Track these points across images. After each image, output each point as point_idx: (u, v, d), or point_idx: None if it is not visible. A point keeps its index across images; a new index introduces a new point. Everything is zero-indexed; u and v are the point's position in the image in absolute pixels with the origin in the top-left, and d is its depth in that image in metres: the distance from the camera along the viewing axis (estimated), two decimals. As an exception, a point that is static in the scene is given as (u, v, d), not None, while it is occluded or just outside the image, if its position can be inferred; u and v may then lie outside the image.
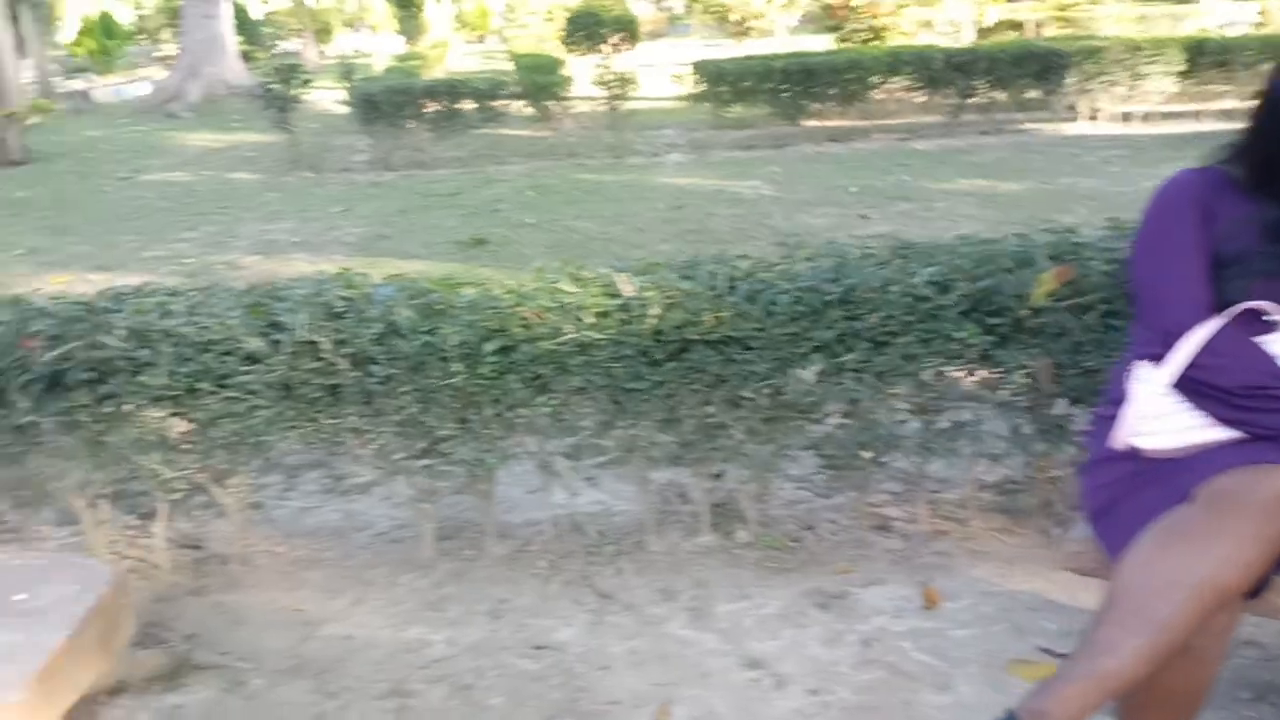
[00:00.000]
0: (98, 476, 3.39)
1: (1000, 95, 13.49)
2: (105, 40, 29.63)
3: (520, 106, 12.71)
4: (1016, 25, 24.56)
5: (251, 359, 3.13)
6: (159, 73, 26.07)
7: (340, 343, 3.11)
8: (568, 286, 3.23)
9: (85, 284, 7.08)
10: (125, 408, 3.20)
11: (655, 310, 3.09)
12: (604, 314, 3.14)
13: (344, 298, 3.21)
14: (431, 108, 11.97)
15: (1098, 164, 10.59)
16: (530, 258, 7.51)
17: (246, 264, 7.65)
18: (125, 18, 35.36)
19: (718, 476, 3.59)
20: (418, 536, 3.62)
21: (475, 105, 12.14)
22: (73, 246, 8.72)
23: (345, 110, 13.15)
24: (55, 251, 8.58)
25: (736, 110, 14.15)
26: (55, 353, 3.11)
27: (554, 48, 20.71)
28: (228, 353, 3.13)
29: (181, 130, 16.70)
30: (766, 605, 3.22)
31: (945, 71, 13.01)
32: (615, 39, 16.14)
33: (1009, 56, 13.02)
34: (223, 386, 3.13)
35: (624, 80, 12.65)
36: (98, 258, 8.35)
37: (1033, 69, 13.05)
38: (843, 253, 3.33)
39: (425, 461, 3.42)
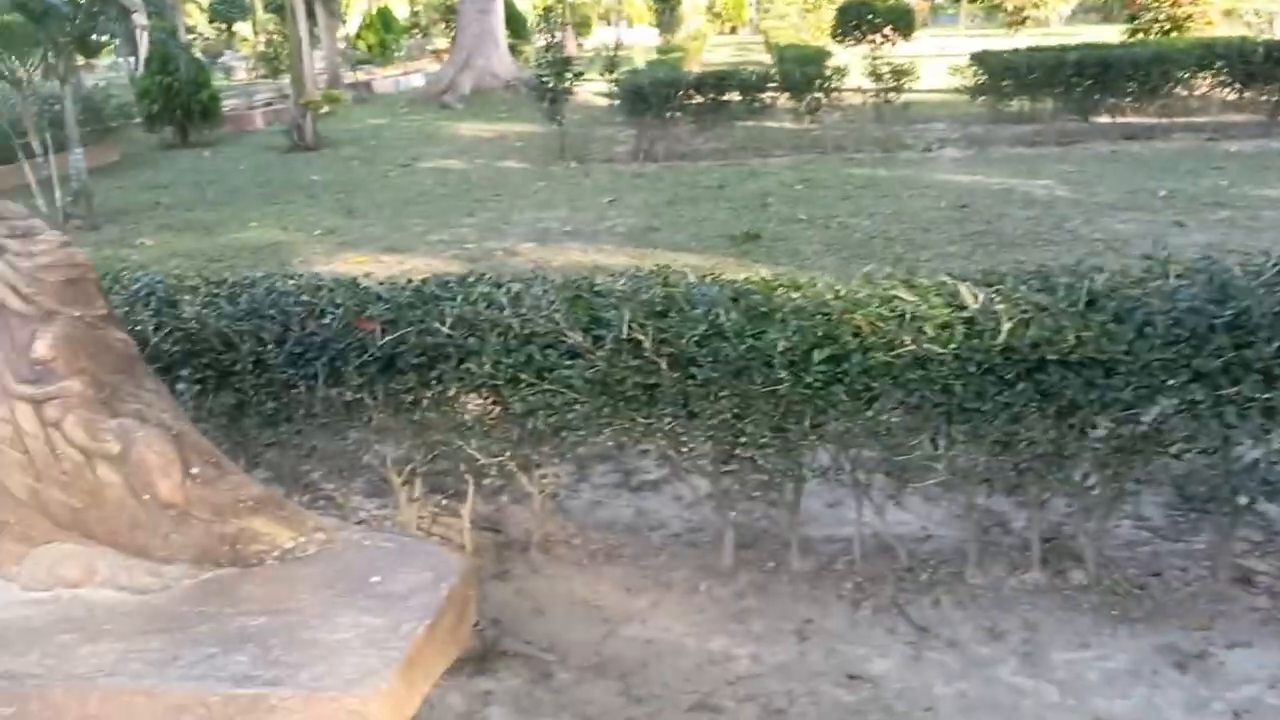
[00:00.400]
0: (415, 455, 3.49)
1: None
2: (384, 34, 31.82)
3: (784, 99, 12.49)
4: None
5: (573, 354, 3.10)
6: (432, 65, 27.73)
7: (662, 342, 3.03)
8: (904, 294, 3.01)
9: (379, 264, 7.49)
10: (449, 392, 3.26)
11: (1006, 325, 2.82)
12: (946, 326, 2.89)
13: (664, 297, 3.13)
14: (695, 100, 11.99)
15: None
16: (806, 255, 7.30)
17: (522, 251, 7.87)
18: (401, 13, 37.85)
19: (1042, 505, 3.27)
20: (715, 542, 3.51)
21: (740, 97, 12.04)
22: (365, 228, 9.29)
23: (608, 102, 13.38)
24: (349, 232, 9.18)
25: (1016, 105, 13.33)
26: (392, 336, 3.20)
27: (812, 38, 20.40)
28: (550, 346, 3.12)
29: (454, 120, 17.60)
30: (1112, 658, 2.88)
31: (1265, 66, 11.67)
32: (887, 30, 15.60)
33: (1342, 48, 11.53)
34: (542, 379, 3.12)
35: (900, 72, 12.17)
36: (387, 239, 8.85)
37: (1372, 62, 11.49)
38: (1222, 271, 2.92)
39: (731, 468, 3.31)
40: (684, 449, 3.20)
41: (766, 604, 3.26)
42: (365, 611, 2.09)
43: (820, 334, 2.94)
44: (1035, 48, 13.79)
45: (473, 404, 3.24)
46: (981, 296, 2.95)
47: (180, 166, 13.75)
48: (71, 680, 1.94)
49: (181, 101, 15.27)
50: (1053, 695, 2.76)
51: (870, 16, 15.65)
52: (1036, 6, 24.16)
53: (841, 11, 17.29)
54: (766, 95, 12.38)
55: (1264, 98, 12.16)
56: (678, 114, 12.11)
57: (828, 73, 12.21)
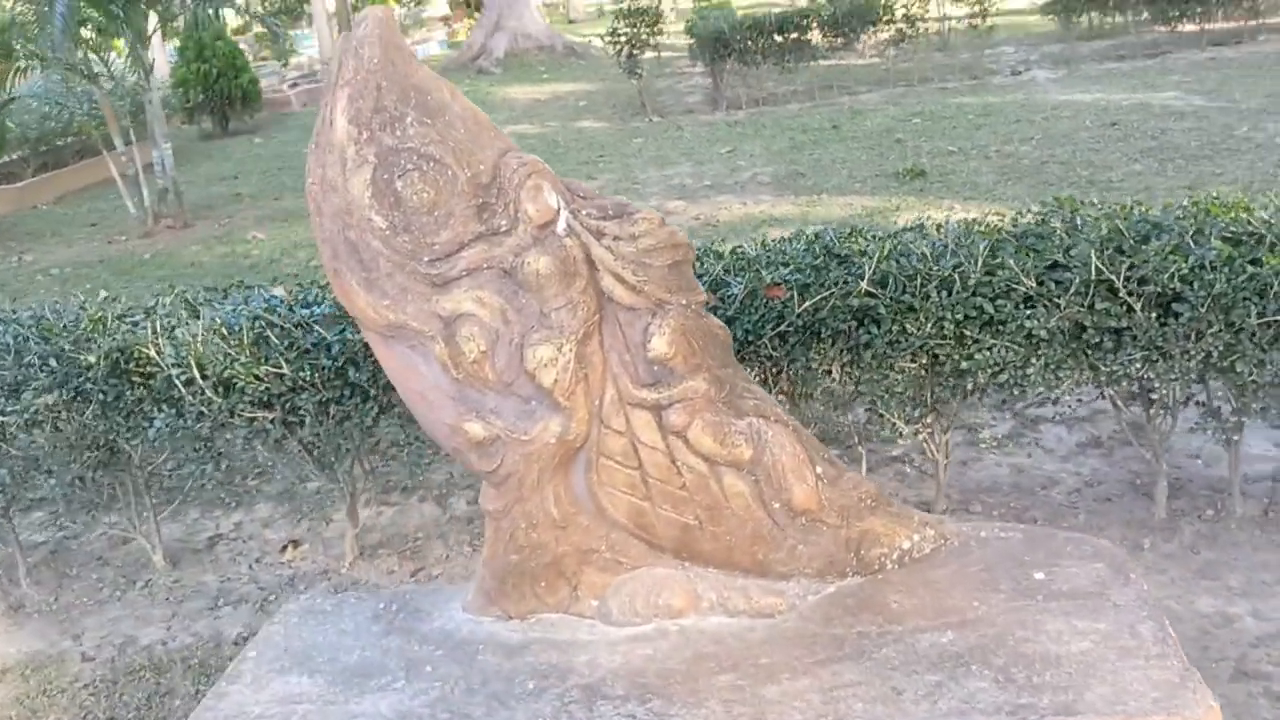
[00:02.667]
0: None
1: None
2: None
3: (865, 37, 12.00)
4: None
5: (1029, 302, 2.81)
6: (430, 33, 27.01)
7: (1140, 280, 2.74)
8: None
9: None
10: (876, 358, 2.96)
11: None
12: None
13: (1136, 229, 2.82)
14: (777, 41, 11.54)
15: None
16: (986, 186, 6.99)
17: (675, 209, 7.52)
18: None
19: None
20: (1134, 494, 3.26)
21: (822, 36, 11.61)
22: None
23: (677, 53, 12.91)
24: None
25: (1084, 20, 12.92)
26: (811, 302, 2.90)
27: None
28: (999, 296, 2.82)
29: (497, 85, 17.05)
30: None
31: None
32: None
33: None
34: (999, 334, 2.82)
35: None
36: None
37: None
38: None
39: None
40: (1152, 394, 2.90)
41: (1229, 555, 3.00)
42: (1072, 616, 1.82)
43: (1331, 258, 2.66)
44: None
45: (907, 366, 2.94)
46: None
47: (237, 156, 13.27)
48: (801, 727, 1.67)
49: (222, 88, 14.75)
50: None
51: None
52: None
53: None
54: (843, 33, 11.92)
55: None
56: (759, 57, 11.67)
57: (908, 3, 11.75)
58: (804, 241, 3.20)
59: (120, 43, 9.70)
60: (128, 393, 3.20)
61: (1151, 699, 1.60)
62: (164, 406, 3.18)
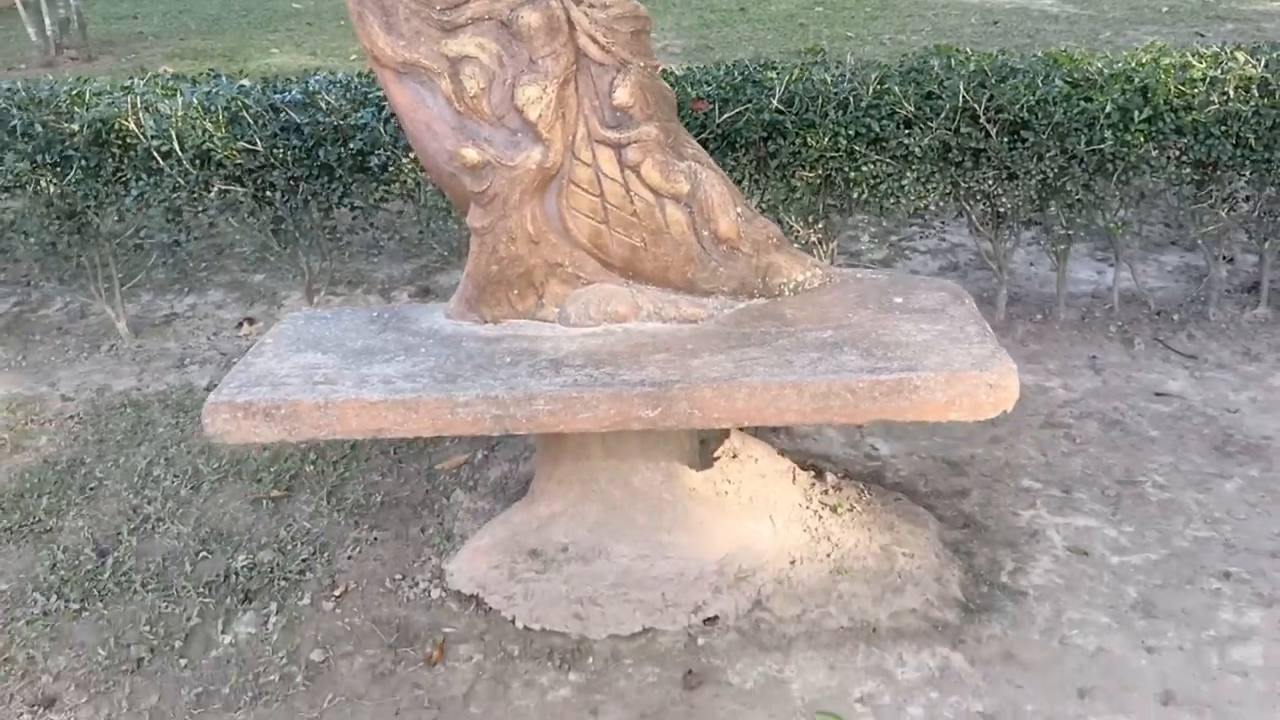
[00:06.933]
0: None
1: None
2: None
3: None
4: None
5: (908, 124, 3.38)
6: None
7: (998, 110, 3.33)
8: (1196, 61, 3.38)
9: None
10: (781, 168, 3.50)
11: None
12: (1244, 86, 3.28)
13: (998, 66, 3.41)
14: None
15: None
16: (877, 68, 7.54)
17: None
18: None
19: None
20: (986, 299, 3.93)
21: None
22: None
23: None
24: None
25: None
26: (727, 115, 3.41)
27: None
28: (885, 118, 3.38)
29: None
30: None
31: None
32: None
33: None
34: (879, 149, 3.40)
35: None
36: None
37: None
38: None
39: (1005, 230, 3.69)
40: (1000, 208, 3.53)
41: (1050, 347, 3.71)
42: (919, 321, 2.41)
43: (1143, 97, 3.30)
44: None
45: (807, 177, 3.49)
46: (1265, 61, 3.34)
47: (131, -3, 12.87)
48: (714, 381, 2.22)
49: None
50: (1325, 394, 3.32)
51: None
52: None
53: None
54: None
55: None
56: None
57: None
58: (723, 69, 3.69)
59: None
60: (109, 161, 3.51)
61: (970, 363, 2.20)
62: (143, 175, 3.51)
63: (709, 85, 3.49)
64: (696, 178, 2.39)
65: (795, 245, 3.85)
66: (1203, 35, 8.10)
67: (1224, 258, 3.83)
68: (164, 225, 3.70)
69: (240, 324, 4.09)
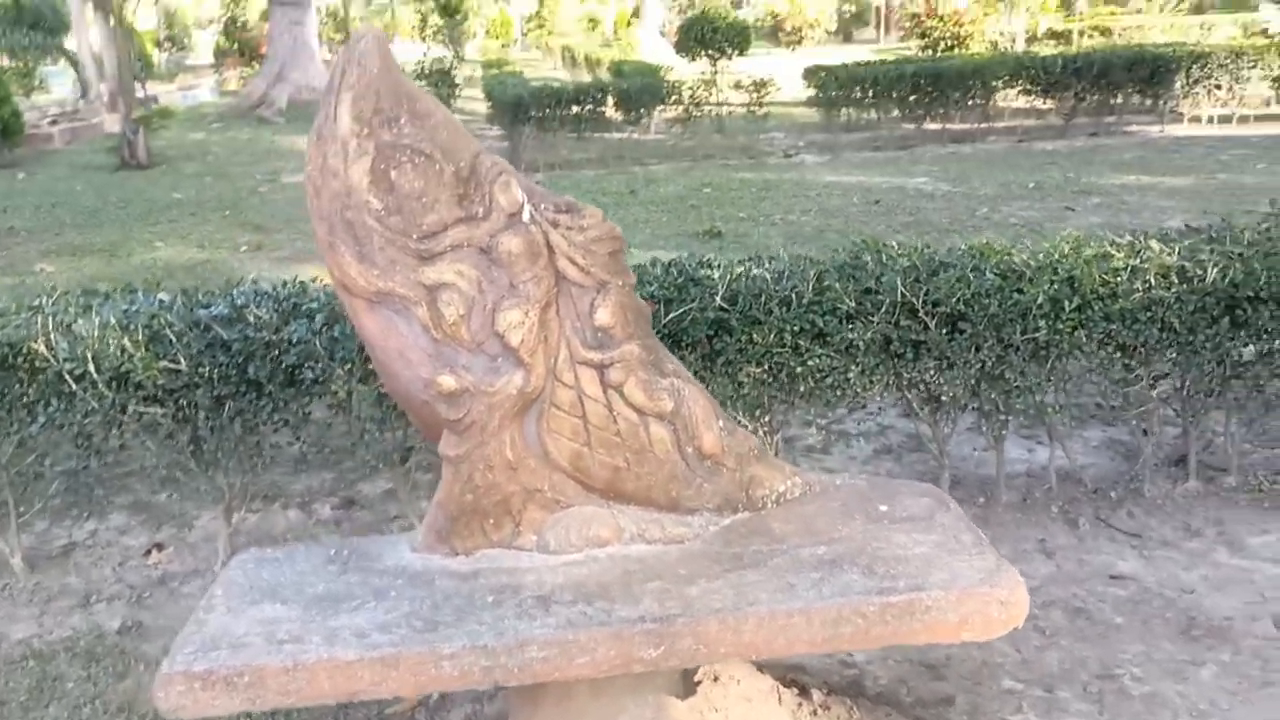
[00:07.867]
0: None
1: (1107, 99, 13.95)
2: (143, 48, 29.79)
3: (659, 112, 13.00)
4: (1059, 35, 25.20)
5: (850, 318, 3.44)
6: (198, 79, 26.30)
7: (934, 303, 3.42)
8: (1116, 252, 3.57)
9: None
10: (728, 364, 3.49)
11: (1213, 270, 3.43)
12: (1164, 275, 3.47)
13: (929, 262, 3.53)
14: (573, 110, 12.29)
15: (1237, 161, 11.01)
16: (773, 248, 7.77)
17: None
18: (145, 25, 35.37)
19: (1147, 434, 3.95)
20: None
21: (615, 109, 12.48)
22: (293, 241, 8.90)
23: (466, 116, 13.41)
24: (277, 247, 8.76)
25: (844, 114, 14.57)
26: (674, 314, 3.40)
27: (598, 52, 21.14)
28: (828, 313, 3.43)
29: (281, 133, 16.89)
30: (1289, 534, 3.57)
31: (1063, 76, 13.46)
32: (726, 46, 16.52)
33: (1123, 61, 13.48)
34: (827, 343, 3.43)
35: (761, 85, 13.01)
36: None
37: (1143, 74, 13.52)
38: None
39: (943, 414, 3.75)
40: (941, 397, 3.59)
41: (998, 532, 3.72)
42: (911, 531, 2.36)
43: (1070, 288, 3.44)
44: (880, 61, 15.14)
45: (752, 373, 3.48)
46: (1177, 249, 3.56)
47: (1, 189, 12.47)
48: (718, 613, 2.10)
49: (-19, 120, 13.86)
50: (1271, 568, 3.39)
51: (712, 33, 16.55)
52: (813, 26, 26.17)
53: (684, 29, 18.10)
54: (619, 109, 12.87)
55: (1060, 104, 14.00)
56: (556, 124, 12.36)
57: (693, 86, 12.89)
58: (660, 268, 3.71)
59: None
60: (14, 387, 3.24)
61: (977, 579, 2.15)
62: (52, 400, 3.25)
63: (651, 285, 3.49)
64: (679, 394, 2.33)
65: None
66: (1072, 209, 8.75)
67: (1149, 433, 3.96)
68: (71, 451, 3.42)
69: (148, 551, 3.77)
